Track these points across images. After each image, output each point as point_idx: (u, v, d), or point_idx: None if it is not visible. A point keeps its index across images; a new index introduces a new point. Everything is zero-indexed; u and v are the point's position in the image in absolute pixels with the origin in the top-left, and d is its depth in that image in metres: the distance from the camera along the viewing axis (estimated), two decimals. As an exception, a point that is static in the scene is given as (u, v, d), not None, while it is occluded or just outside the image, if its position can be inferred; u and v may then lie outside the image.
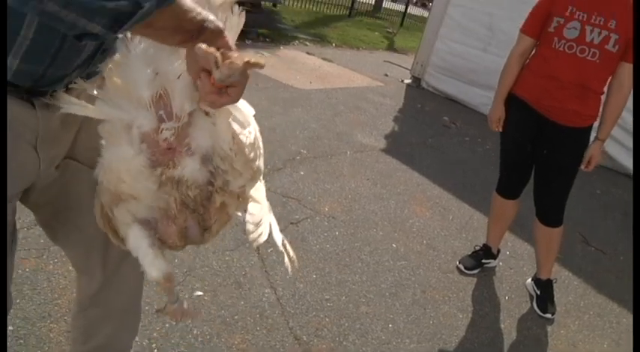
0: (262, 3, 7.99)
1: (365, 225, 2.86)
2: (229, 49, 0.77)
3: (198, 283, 2.01)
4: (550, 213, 2.47)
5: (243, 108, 0.92)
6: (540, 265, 2.58)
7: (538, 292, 2.57)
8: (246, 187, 0.91)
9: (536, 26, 2.35)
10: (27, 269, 1.91)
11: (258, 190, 0.94)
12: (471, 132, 5.10)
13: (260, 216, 0.88)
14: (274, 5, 9.82)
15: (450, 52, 6.40)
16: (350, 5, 13.11)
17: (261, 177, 0.97)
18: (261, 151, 0.95)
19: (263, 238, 0.88)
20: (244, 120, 0.90)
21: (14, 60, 0.78)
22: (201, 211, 0.87)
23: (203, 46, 0.71)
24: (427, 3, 23.02)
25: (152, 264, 0.87)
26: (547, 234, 2.49)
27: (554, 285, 2.58)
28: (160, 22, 0.71)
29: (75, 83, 0.88)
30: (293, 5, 11.43)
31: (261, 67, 0.73)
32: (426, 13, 13.67)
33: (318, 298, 2.16)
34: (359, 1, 14.13)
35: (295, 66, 6.46)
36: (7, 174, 0.83)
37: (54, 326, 1.70)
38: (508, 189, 2.59)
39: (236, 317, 1.94)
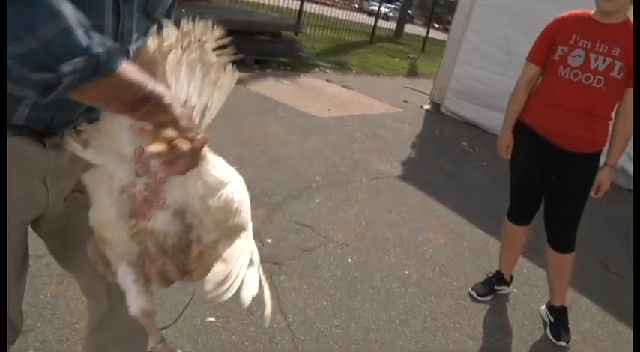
0: (282, 32, 8.16)
1: (377, 252, 2.89)
2: (173, 123, 0.80)
3: (211, 309, 2.07)
4: (561, 238, 2.48)
5: (218, 170, 0.95)
6: (553, 292, 2.57)
7: (552, 319, 2.55)
8: (220, 242, 0.94)
9: (542, 54, 2.40)
10: (48, 295, 2.00)
11: (235, 247, 0.96)
12: (489, 157, 5.10)
13: (224, 274, 0.90)
14: (295, 34, 10.04)
15: (468, 76, 6.46)
16: (371, 32, 13.29)
17: (246, 234, 1.00)
18: (243, 208, 0.98)
19: (226, 296, 0.90)
20: (215, 183, 0.93)
21: (24, 109, 0.87)
22: (181, 257, 0.93)
23: (136, 126, 0.76)
24: (449, 27, 23.19)
25: (133, 300, 0.95)
26: (559, 260, 2.49)
27: (569, 312, 2.56)
28: (95, 92, 0.73)
29: (80, 126, 0.97)
30: (314, 33, 11.66)
31: (161, 158, 0.77)
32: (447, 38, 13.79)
33: (328, 325, 2.20)
34: (380, 27, 14.32)
35: (314, 94, 6.58)
36: (19, 204, 0.92)
37: (71, 349, 1.78)
38: (518, 215, 2.61)
39: (246, 342, 1.99)
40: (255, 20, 7.71)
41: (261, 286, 0.96)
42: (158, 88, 0.79)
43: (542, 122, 2.40)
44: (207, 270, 0.91)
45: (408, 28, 17.24)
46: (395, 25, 17.33)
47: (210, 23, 0.97)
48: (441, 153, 5.22)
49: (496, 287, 2.73)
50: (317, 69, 8.28)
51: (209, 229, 0.93)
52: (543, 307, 2.66)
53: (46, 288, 2.03)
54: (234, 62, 1.04)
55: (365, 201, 3.56)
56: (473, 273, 2.90)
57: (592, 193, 2.36)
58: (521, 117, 2.47)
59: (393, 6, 22.22)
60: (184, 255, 0.93)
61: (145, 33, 1.01)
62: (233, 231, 0.97)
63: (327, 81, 7.55)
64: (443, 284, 2.74)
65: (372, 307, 2.39)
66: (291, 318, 2.16)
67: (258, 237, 2.70)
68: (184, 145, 0.79)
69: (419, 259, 2.93)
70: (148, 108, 0.78)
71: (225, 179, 0.97)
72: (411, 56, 12.51)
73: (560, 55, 2.31)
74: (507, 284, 2.77)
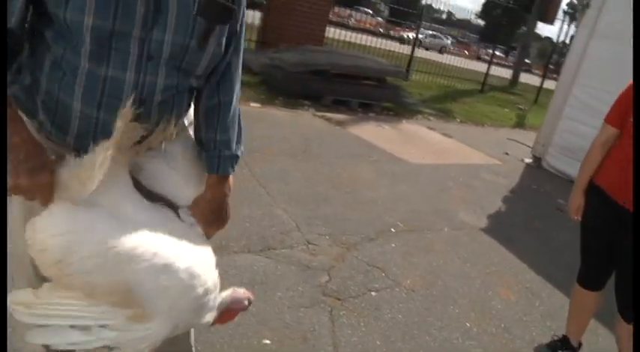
0: (388, 78, 8.45)
1: (443, 301, 2.97)
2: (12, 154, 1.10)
3: (269, 332, 2.29)
4: (631, 308, 2.41)
5: (56, 220, 1.16)
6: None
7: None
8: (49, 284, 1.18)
9: (619, 117, 2.40)
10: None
11: (58, 297, 1.16)
12: (586, 218, 4.91)
13: (27, 302, 1.17)
14: (405, 78, 10.31)
15: (573, 132, 6.28)
16: (482, 80, 13.24)
17: (93, 298, 1.14)
18: (77, 269, 1.14)
19: (16, 315, 1.15)
20: (39, 226, 1.17)
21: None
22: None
23: None
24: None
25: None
26: (629, 332, 2.42)
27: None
28: None
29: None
30: (423, 79, 11.87)
31: None
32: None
33: (379, 363, 2.33)
34: (494, 75, 14.20)
35: (413, 140, 6.75)
36: None
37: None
38: (588, 279, 2.58)
39: (299, 368, 2.18)
40: (363, 65, 8.08)
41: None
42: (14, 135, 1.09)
43: (615, 184, 2.38)
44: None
45: (525, 78, 16.86)
46: (511, 73, 17.08)
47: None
48: (533, 209, 5.12)
49: (560, 352, 2.68)
50: (420, 115, 8.45)
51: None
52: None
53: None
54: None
55: (441, 251, 3.64)
56: (539, 335, 2.87)
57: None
58: (594, 179, 2.48)
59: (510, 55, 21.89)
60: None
61: (175, 87, 1.24)
62: (64, 283, 1.15)
63: (429, 128, 7.69)
64: (504, 341, 2.75)
65: (426, 353, 2.49)
66: (341, 351, 2.32)
67: (327, 272, 2.91)
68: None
69: (484, 313, 2.96)
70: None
71: (56, 230, 1.14)
72: (522, 107, 12.24)
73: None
74: (574, 350, 2.71)
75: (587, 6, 6.67)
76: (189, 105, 1.39)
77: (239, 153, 1.41)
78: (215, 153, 1.37)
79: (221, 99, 1.36)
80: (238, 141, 1.42)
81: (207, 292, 1.24)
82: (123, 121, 1.11)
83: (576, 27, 7.87)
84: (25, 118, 1.18)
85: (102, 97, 1.16)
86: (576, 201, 2.53)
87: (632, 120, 2.33)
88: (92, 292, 1.14)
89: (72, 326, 1.15)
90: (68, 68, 1.15)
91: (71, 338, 1.15)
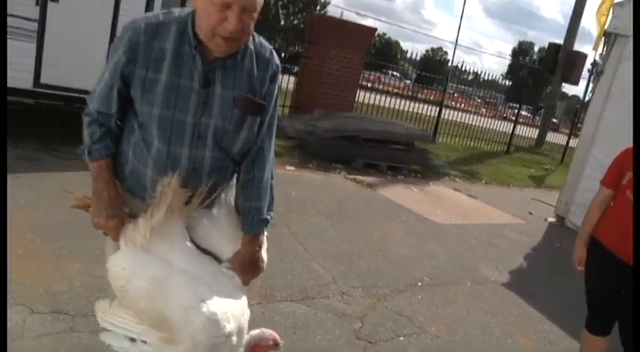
0: (415, 142, 8.95)
1: (464, 347, 3.31)
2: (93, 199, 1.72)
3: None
4: (634, 352, 2.70)
5: (128, 259, 1.67)
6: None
7: None
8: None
9: (612, 180, 2.80)
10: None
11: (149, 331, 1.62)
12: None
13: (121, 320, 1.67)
14: (430, 143, 10.82)
15: (593, 191, 6.33)
16: (507, 141, 13.63)
17: (166, 335, 1.58)
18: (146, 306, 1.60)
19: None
20: (111, 264, 1.70)
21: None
22: None
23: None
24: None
25: None
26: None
27: None
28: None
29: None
30: (450, 141, 12.35)
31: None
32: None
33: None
34: (520, 136, 14.56)
35: (439, 201, 7.15)
36: None
37: None
38: (594, 324, 2.89)
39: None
40: (391, 131, 8.62)
41: None
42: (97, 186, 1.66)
43: (612, 239, 2.74)
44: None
45: (553, 137, 17.17)
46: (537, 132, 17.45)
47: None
48: (555, 266, 5.40)
49: (572, 394, 2.96)
50: (447, 177, 8.87)
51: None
52: None
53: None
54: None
55: (464, 303, 3.98)
56: (554, 378, 3.16)
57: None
58: (594, 233, 2.85)
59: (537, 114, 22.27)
60: None
61: (220, 160, 1.70)
62: (124, 303, 1.66)
63: (455, 189, 8.09)
64: (521, 382, 3.06)
65: (449, 391, 2.82)
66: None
67: (360, 319, 3.30)
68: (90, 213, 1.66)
69: (503, 358, 3.28)
70: (92, 188, 1.66)
71: (125, 269, 1.66)
72: (546, 167, 12.54)
73: (627, 180, 2.69)
74: (585, 392, 2.98)
75: (601, 73, 7.15)
76: (233, 174, 1.84)
77: (269, 217, 1.84)
78: (249, 218, 1.79)
79: (255, 174, 1.80)
80: (269, 208, 1.85)
81: (230, 332, 1.58)
82: (165, 188, 1.62)
83: (592, 92, 8.32)
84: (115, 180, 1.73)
85: (167, 167, 1.66)
86: (578, 253, 2.91)
87: (623, 182, 2.72)
88: (138, 313, 1.62)
89: (124, 335, 1.65)
90: (145, 146, 1.67)
91: (123, 344, 1.66)
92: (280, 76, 1.79)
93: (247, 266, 1.79)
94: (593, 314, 2.90)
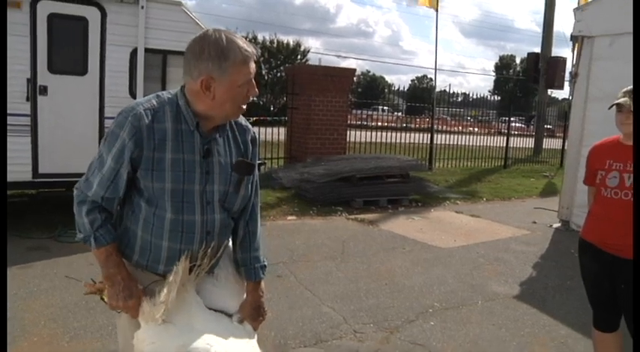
0: (409, 173, 9.07)
1: (481, 365, 3.34)
2: (107, 284, 1.81)
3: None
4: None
5: (150, 334, 1.75)
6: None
7: None
8: None
9: (589, 178, 2.91)
10: None
11: None
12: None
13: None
14: (429, 169, 10.96)
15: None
16: (504, 156, 13.76)
17: None
18: None
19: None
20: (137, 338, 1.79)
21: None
22: None
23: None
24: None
25: None
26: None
27: None
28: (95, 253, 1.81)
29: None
30: (448, 165, 12.48)
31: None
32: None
33: None
34: (517, 147, 14.68)
35: (442, 226, 7.22)
36: None
37: None
38: (600, 322, 2.92)
39: None
40: (385, 165, 8.78)
41: None
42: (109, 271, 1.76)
43: (598, 236, 2.80)
44: None
45: (550, 143, 17.28)
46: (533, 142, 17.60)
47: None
48: (565, 270, 5.43)
49: (592, 395, 2.97)
50: (447, 201, 8.96)
51: None
52: None
53: None
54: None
55: (477, 321, 4.02)
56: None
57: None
58: (582, 235, 2.94)
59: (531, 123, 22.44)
60: None
61: (226, 219, 1.86)
62: None
63: (456, 212, 8.17)
64: (541, 391, 3.08)
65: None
66: None
67: (374, 354, 3.36)
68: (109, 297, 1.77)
69: (520, 370, 3.30)
70: (103, 273, 1.76)
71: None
72: (547, 174, 12.62)
73: (600, 179, 2.78)
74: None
75: (576, 75, 7.34)
76: (229, 235, 1.99)
77: (266, 263, 2.04)
78: (251, 267, 1.99)
79: (250, 229, 2.00)
80: (264, 255, 2.06)
81: None
82: (181, 269, 1.77)
83: (571, 95, 8.50)
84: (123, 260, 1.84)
85: (182, 235, 1.80)
86: None
87: (597, 181, 2.83)
88: None
89: None
90: (157, 220, 1.79)
91: None
92: (258, 138, 2.01)
93: (255, 313, 1.97)
94: (597, 311, 2.95)
